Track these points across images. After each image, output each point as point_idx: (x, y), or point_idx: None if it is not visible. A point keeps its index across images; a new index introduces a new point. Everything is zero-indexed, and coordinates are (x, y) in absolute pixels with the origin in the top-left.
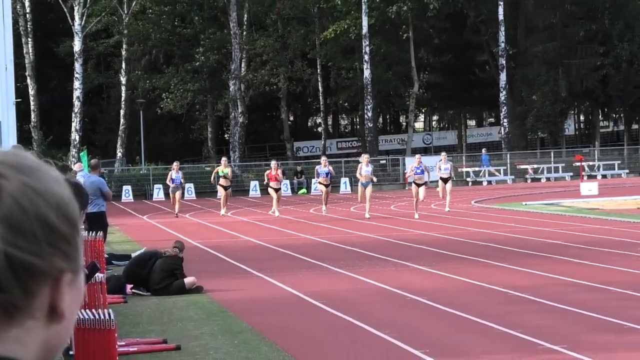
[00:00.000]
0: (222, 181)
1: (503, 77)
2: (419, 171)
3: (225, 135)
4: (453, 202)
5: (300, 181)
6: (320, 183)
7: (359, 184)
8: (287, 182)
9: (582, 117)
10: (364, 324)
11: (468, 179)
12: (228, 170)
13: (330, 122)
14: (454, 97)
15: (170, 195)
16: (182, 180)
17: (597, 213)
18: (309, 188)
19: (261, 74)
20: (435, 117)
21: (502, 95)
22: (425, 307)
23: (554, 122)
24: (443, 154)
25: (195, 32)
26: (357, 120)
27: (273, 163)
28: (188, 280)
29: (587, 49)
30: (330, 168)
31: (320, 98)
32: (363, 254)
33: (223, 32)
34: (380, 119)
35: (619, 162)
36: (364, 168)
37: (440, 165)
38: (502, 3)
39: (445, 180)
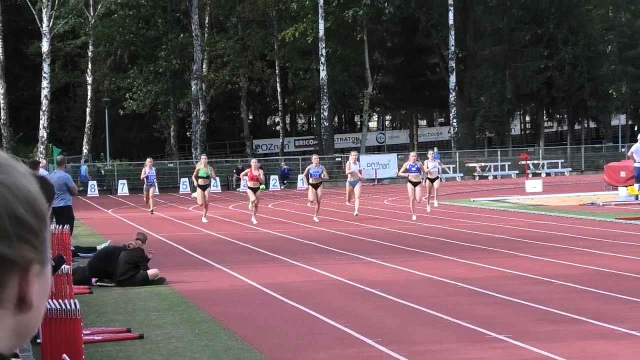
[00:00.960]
0: (201, 181)
1: (452, 79)
2: (414, 169)
3: (187, 133)
4: (405, 199)
5: None
6: (310, 185)
7: (347, 183)
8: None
9: (527, 118)
10: (319, 314)
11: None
12: (209, 171)
13: (288, 121)
14: (406, 98)
15: (144, 192)
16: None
17: (541, 209)
18: (267, 184)
19: (222, 74)
20: (388, 117)
21: (452, 97)
22: (377, 299)
23: (501, 123)
24: (430, 152)
25: (159, 34)
26: (314, 119)
27: (253, 162)
28: (151, 272)
29: (533, 52)
30: (323, 168)
31: (279, 98)
32: (319, 247)
33: (185, 34)
34: (336, 119)
35: (562, 160)
36: (352, 166)
37: (427, 163)
38: (452, 8)
39: (432, 180)
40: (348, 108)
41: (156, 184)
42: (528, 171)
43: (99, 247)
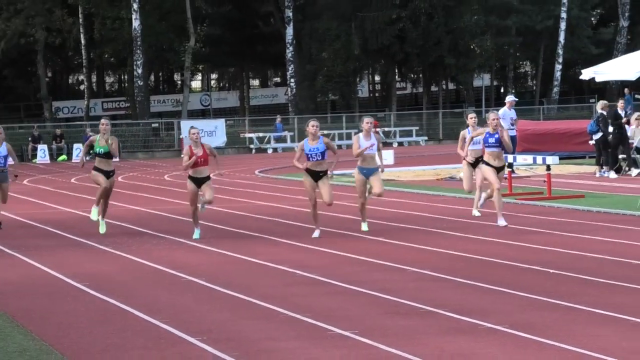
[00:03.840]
0: (100, 163)
1: (289, 31)
2: (492, 140)
3: None
4: (239, 172)
5: (60, 146)
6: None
7: (356, 170)
8: (45, 147)
9: (377, 78)
10: (133, 309)
11: (252, 146)
12: (113, 142)
13: (94, 80)
14: (235, 53)
15: None
16: None
17: (394, 184)
18: (69, 154)
19: (15, 23)
20: (214, 76)
21: (289, 52)
22: (202, 290)
23: (346, 83)
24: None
25: None
26: (125, 77)
27: (194, 132)
28: None
29: (383, 1)
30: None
31: (83, 52)
32: (132, 229)
33: None
34: (152, 77)
35: (417, 128)
36: (363, 142)
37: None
38: None
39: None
40: (166, 65)
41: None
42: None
43: None
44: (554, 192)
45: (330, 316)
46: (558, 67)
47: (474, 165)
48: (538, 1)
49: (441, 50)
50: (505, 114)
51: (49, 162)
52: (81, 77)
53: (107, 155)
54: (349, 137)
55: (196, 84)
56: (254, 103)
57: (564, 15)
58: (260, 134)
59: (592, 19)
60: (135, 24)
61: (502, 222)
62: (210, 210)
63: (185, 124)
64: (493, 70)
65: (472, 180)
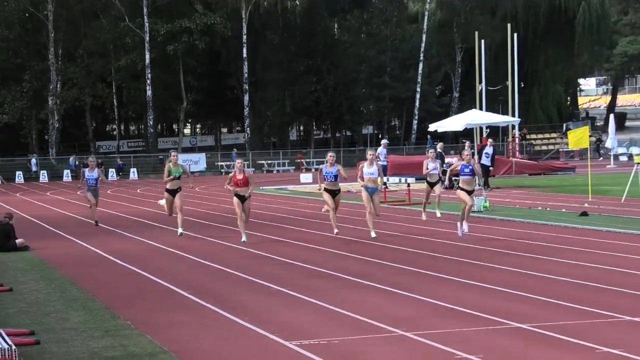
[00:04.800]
0: (170, 184)
1: (246, 98)
2: (467, 171)
3: (46, 137)
4: (215, 187)
5: (101, 171)
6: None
7: (363, 189)
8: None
9: (302, 127)
10: (146, 273)
11: (222, 170)
12: (183, 167)
13: (122, 127)
14: (212, 111)
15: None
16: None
17: (311, 195)
18: (106, 175)
19: (72, 92)
20: (198, 125)
21: (246, 111)
22: (191, 262)
23: (282, 131)
24: (431, 151)
25: (23, 62)
26: (143, 126)
27: (238, 162)
28: (18, 240)
29: (306, 79)
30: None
31: (115, 110)
32: (146, 223)
33: (44, 62)
34: (159, 126)
35: None
36: (367, 169)
37: (427, 164)
38: (245, 45)
39: (433, 184)
40: (168, 119)
41: (22, 175)
42: (302, 167)
43: None
44: (413, 200)
45: (271, 278)
46: (415, 122)
47: (432, 185)
48: (402, 80)
49: (342, 111)
50: (381, 151)
51: None
52: (114, 126)
53: (178, 178)
54: (284, 165)
55: (187, 130)
56: (224, 143)
57: (418, 89)
58: (228, 163)
59: (436, 91)
60: (149, 93)
61: (465, 227)
62: (195, 211)
63: (181, 157)
64: (374, 123)
65: (429, 196)
